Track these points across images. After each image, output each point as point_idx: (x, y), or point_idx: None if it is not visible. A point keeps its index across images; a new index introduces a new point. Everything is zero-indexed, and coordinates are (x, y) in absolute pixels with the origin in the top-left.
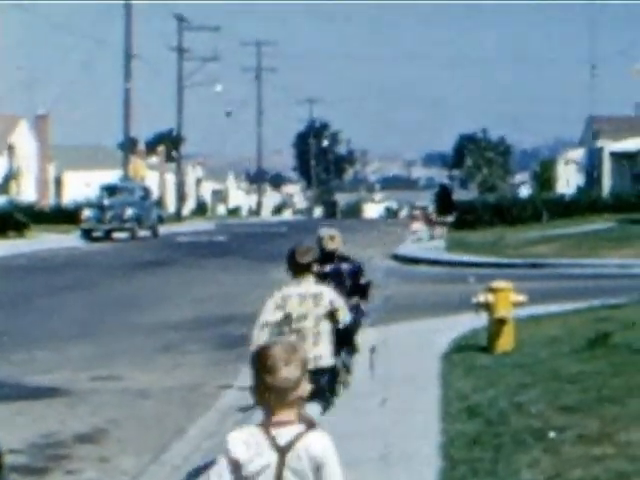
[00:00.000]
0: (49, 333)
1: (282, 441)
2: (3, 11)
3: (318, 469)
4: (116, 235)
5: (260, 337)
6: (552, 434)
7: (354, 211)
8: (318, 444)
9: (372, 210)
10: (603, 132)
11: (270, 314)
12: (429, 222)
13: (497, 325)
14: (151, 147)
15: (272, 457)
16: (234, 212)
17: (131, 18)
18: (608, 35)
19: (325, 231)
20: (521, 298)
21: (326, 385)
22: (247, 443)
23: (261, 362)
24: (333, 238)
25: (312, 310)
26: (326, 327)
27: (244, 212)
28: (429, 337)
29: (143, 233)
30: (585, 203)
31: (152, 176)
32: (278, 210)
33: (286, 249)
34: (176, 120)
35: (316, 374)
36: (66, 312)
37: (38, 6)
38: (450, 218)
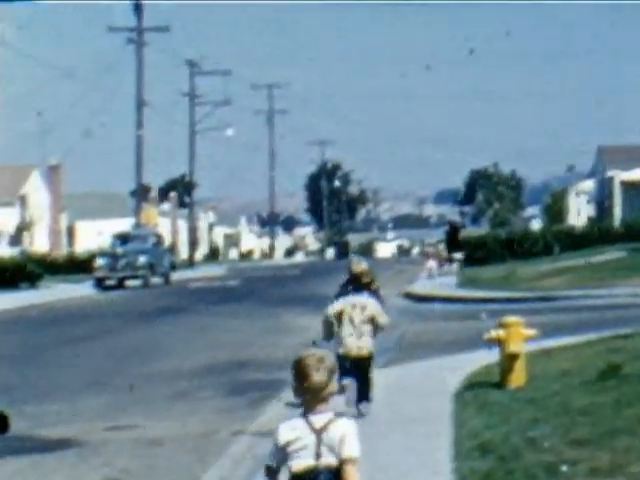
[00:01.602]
0: (61, 385)
1: (318, 425)
2: (13, 60)
3: (339, 442)
4: (129, 283)
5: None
6: (564, 468)
7: (366, 251)
8: (344, 426)
9: (384, 249)
10: (613, 162)
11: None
12: (440, 259)
13: (509, 360)
14: (163, 193)
15: (311, 437)
16: (246, 256)
17: (142, 65)
18: (613, 67)
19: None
20: (532, 332)
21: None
22: (293, 428)
23: (297, 370)
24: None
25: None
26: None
27: (256, 256)
28: (442, 375)
29: (156, 280)
30: (596, 234)
31: (164, 222)
32: (290, 252)
33: (299, 292)
34: (188, 165)
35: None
36: (78, 362)
37: (49, 55)
38: (459, 255)
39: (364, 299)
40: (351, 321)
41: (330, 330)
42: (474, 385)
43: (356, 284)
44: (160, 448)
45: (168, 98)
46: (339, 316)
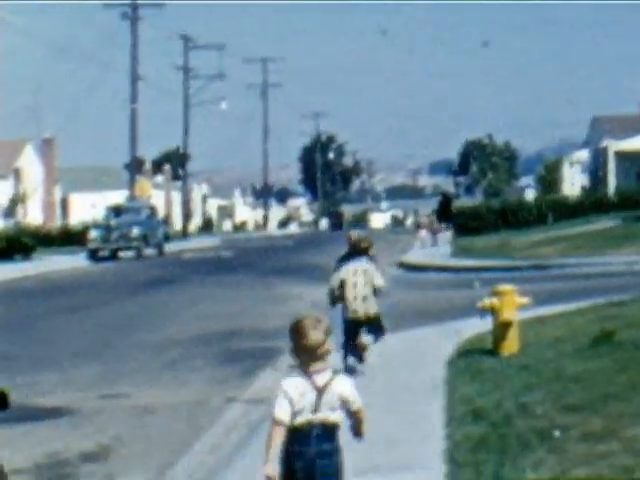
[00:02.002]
0: (54, 354)
1: (320, 384)
2: (8, 36)
3: (343, 401)
4: (122, 254)
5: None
6: (557, 433)
7: (360, 221)
8: (342, 384)
9: (378, 220)
10: (608, 132)
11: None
12: (433, 229)
13: (502, 328)
14: (157, 166)
15: (313, 395)
16: (240, 227)
17: (137, 40)
18: (610, 36)
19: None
20: (525, 300)
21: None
22: (296, 386)
23: (296, 330)
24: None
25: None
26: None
27: (250, 227)
28: (435, 343)
29: (149, 251)
30: (590, 203)
31: (158, 195)
32: (284, 224)
33: (292, 263)
34: (182, 138)
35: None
36: (71, 332)
37: (44, 29)
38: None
39: (363, 264)
40: (354, 286)
41: (334, 298)
42: (467, 352)
43: (355, 252)
44: (153, 416)
45: (163, 72)
46: (342, 284)
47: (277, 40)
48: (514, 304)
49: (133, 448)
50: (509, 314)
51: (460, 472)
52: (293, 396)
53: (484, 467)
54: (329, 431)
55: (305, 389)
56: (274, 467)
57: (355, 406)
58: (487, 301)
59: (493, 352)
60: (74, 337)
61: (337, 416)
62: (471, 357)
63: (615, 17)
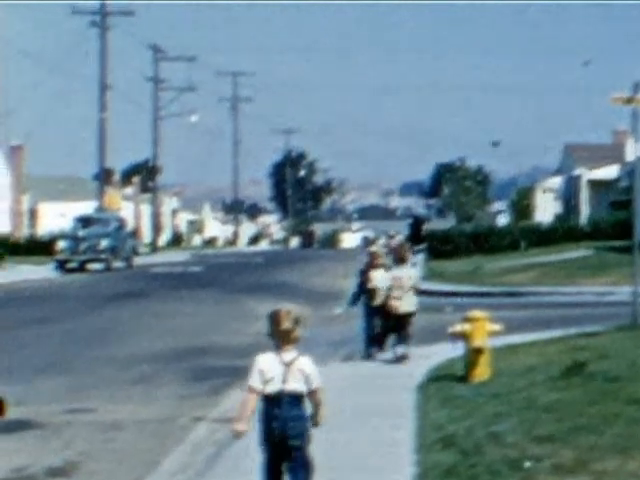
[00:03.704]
0: (21, 366)
1: (286, 359)
2: None
3: (305, 377)
4: (91, 266)
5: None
6: (528, 464)
7: (331, 241)
8: (305, 362)
9: (349, 240)
10: (580, 160)
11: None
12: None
13: (474, 355)
14: (127, 178)
15: (280, 368)
16: (210, 243)
17: (106, 48)
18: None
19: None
20: (497, 327)
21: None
22: (267, 360)
23: (272, 319)
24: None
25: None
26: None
27: (220, 242)
28: (406, 368)
29: (118, 264)
30: (563, 231)
31: (127, 207)
32: (254, 240)
33: (263, 280)
34: (152, 150)
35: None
36: (39, 345)
37: (11, 35)
38: (420, 247)
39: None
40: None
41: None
42: (438, 378)
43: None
44: (120, 432)
45: (133, 83)
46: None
47: (250, 54)
48: (486, 331)
49: (100, 464)
50: (481, 341)
51: None
52: (263, 367)
53: None
54: (298, 399)
55: (274, 363)
56: (244, 425)
57: (315, 384)
58: (459, 327)
59: (464, 379)
60: (41, 349)
61: (303, 388)
62: (442, 383)
63: (588, 45)
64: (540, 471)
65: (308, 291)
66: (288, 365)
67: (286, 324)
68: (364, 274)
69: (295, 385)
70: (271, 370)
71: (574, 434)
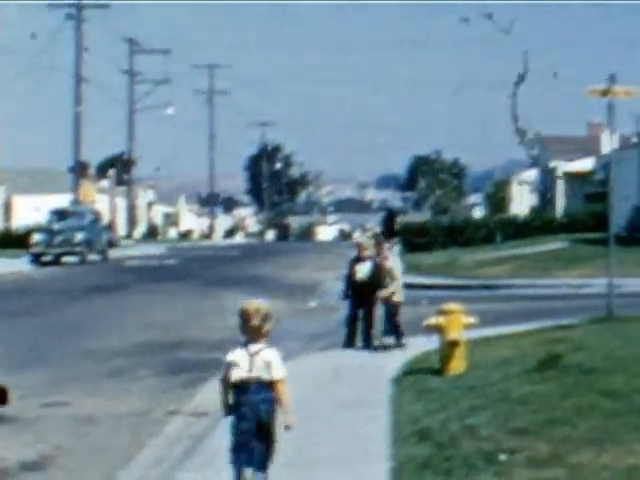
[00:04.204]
0: None
1: (252, 350)
2: None
3: (267, 366)
4: (66, 259)
5: None
6: (503, 457)
7: (307, 234)
8: (269, 353)
9: (325, 233)
10: (555, 153)
11: None
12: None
13: (449, 347)
14: (102, 170)
15: (247, 358)
16: (186, 236)
17: (81, 41)
18: (562, 56)
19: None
20: (472, 320)
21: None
22: (235, 353)
23: (242, 316)
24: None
25: None
26: None
27: (196, 235)
28: (381, 360)
29: (93, 257)
30: (538, 224)
31: (103, 200)
32: (230, 233)
33: (238, 273)
34: (127, 143)
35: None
36: (14, 338)
37: None
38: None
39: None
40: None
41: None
42: (413, 371)
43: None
44: (95, 426)
45: (108, 76)
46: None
47: (226, 47)
48: (461, 324)
49: (75, 458)
50: (456, 333)
51: None
52: (231, 360)
53: None
54: (264, 385)
55: (242, 354)
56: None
57: (275, 373)
58: (434, 320)
59: (439, 371)
60: (16, 343)
61: (267, 376)
62: (417, 376)
63: (566, 39)
64: (515, 464)
65: (284, 284)
66: (253, 355)
67: (255, 321)
68: (352, 266)
69: (260, 373)
70: (238, 361)
71: (549, 427)
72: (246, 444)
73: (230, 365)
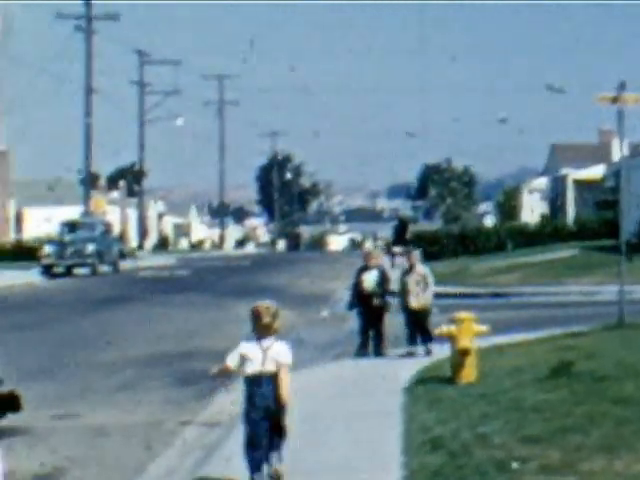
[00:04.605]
0: (6, 372)
1: (265, 346)
2: None
3: (278, 357)
4: (77, 271)
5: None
6: (515, 465)
7: (318, 243)
8: (280, 345)
9: (336, 242)
10: (567, 160)
11: None
12: (390, 253)
13: (460, 356)
14: (113, 181)
15: (260, 353)
16: (197, 246)
17: (92, 53)
18: (572, 63)
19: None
20: (484, 328)
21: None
22: (249, 347)
23: (253, 314)
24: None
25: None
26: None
27: (207, 246)
28: (393, 369)
29: (104, 268)
30: (549, 231)
31: (113, 211)
32: (241, 243)
33: (250, 283)
34: (137, 154)
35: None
36: (25, 350)
37: None
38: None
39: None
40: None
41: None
42: (425, 380)
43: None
44: (107, 437)
45: (118, 87)
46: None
47: (236, 57)
48: (472, 332)
49: (87, 470)
50: (467, 342)
51: None
52: (244, 352)
53: None
54: (274, 378)
55: (255, 348)
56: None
57: (282, 360)
58: (445, 328)
59: (451, 380)
60: (27, 354)
61: (276, 368)
62: (429, 384)
63: (575, 46)
64: (527, 472)
65: (295, 294)
66: (266, 350)
67: (266, 319)
68: (359, 275)
69: (272, 367)
70: (251, 354)
71: (561, 434)
72: (259, 440)
73: (242, 358)
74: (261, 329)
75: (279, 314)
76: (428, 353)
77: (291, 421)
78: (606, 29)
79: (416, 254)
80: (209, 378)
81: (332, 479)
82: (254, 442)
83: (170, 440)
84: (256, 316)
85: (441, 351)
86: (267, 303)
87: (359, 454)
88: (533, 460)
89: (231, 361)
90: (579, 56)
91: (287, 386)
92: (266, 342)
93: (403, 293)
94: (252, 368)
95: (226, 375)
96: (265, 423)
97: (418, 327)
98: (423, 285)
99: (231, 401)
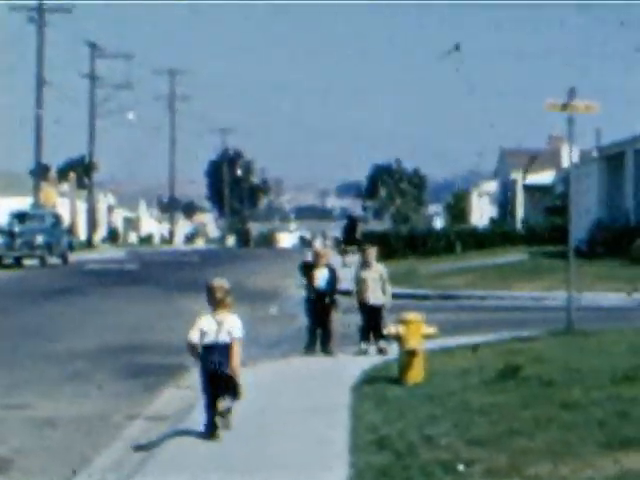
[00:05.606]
0: None
1: (219, 319)
2: None
3: (231, 329)
4: (26, 262)
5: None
6: (461, 467)
7: (268, 240)
8: (233, 319)
9: (286, 240)
10: (515, 165)
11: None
12: (341, 252)
13: (408, 357)
14: (62, 174)
15: (215, 325)
16: (146, 240)
17: (43, 44)
18: (526, 68)
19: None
20: (432, 330)
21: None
22: (204, 319)
23: (209, 290)
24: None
25: None
26: None
27: (156, 240)
28: (340, 368)
29: (53, 260)
30: (498, 235)
31: (63, 203)
32: (190, 239)
33: (199, 279)
34: (88, 147)
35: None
36: None
37: None
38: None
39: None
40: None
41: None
42: (373, 379)
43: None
44: (54, 429)
45: (70, 79)
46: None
47: (188, 52)
48: (420, 333)
49: (33, 460)
50: (415, 343)
51: None
52: (202, 325)
53: None
54: (227, 348)
55: (211, 321)
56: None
57: (234, 335)
58: (393, 329)
59: (399, 380)
60: None
61: (229, 339)
62: (376, 384)
63: (528, 50)
64: (473, 474)
65: (244, 291)
66: (220, 323)
67: (219, 294)
68: (308, 272)
69: (225, 338)
70: (207, 327)
71: (507, 438)
72: (215, 383)
73: (200, 331)
74: (215, 303)
75: (230, 292)
76: (381, 352)
77: (239, 402)
78: (558, 33)
79: (373, 251)
80: (156, 371)
81: (278, 476)
82: (208, 392)
83: (117, 433)
84: (211, 291)
85: (391, 351)
86: (221, 281)
87: (305, 452)
88: (479, 463)
89: (194, 337)
90: (531, 61)
91: (238, 357)
92: (219, 316)
93: (360, 290)
94: (208, 338)
95: (196, 352)
96: (218, 382)
97: (372, 325)
98: (380, 282)
99: (180, 397)
